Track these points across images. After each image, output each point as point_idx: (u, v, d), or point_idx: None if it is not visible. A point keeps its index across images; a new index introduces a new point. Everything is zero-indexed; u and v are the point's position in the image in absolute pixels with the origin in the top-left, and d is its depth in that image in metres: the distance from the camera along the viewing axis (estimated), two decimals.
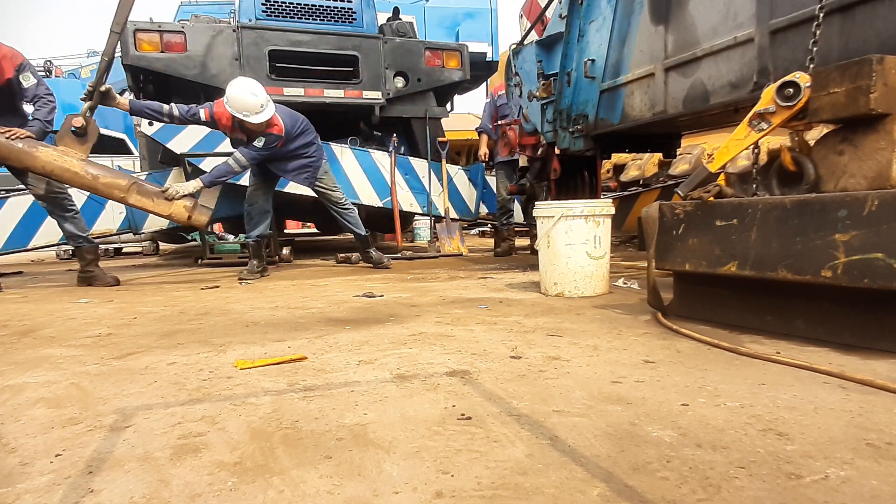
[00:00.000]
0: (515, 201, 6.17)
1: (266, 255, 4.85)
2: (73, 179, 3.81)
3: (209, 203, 5.22)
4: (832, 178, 1.94)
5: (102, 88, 3.76)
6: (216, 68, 5.55)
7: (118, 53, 4.35)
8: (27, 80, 3.74)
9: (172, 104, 4.11)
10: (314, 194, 4.87)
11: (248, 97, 3.98)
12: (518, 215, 6.39)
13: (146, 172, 6.22)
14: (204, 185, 4.04)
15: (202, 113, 4.13)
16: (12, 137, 3.68)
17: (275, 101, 5.81)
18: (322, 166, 4.73)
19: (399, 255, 5.85)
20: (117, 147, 11.72)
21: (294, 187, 5.28)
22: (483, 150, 6.27)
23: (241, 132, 4.21)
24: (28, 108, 3.92)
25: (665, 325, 2.16)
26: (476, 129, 6.46)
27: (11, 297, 3.67)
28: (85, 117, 3.77)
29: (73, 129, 3.74)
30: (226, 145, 5.56)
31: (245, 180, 4.89)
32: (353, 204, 5.34)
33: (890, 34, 2.05)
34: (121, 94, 4.07)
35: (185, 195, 3.95)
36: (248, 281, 4.21)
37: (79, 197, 5.08)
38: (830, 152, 1.95)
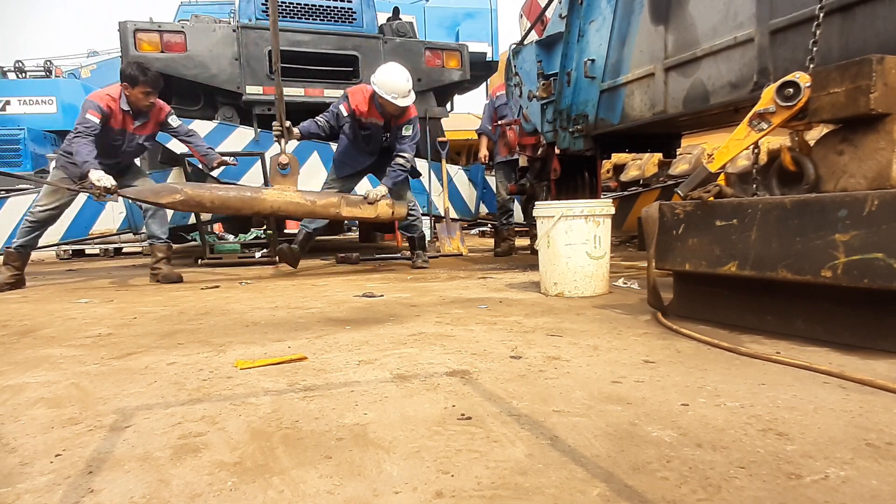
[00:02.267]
0: (515, 201, 6.18)
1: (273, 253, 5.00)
2: (298, 210, 4.26)
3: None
4: (832, 178, 1.94)
5: (287, 124, 4.14)
6: (216, 68, 5.55)
7: (118, 53, 4.39)
8: (175, 122, 4.35)
9: (319, 118, 4.34)
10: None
11: (403, 81, 4.23)
12: (518, 215, 6.39)
13: (146, 172, 6.22)
14: (389, 188, 4.39)
15: (342, 108, 4.33)
16: (216, 164, 4.32)
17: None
18: None
19: (399, 254, 5.85)
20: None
21: None
22: (483, 152, 6.27)
23: (375, 117, 4.35)
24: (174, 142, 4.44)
25: (665, 325, 2.16)
26: (476, 130, 6.47)
27: (11, 297, 3.67)
28: (287, 155, 4.20)
29: (279, 167, 4.18)
30: (226, 145, 5.58)
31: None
32: None
33: (890, 34, 2.06)
34: None
35: (382, 196, 4.32)
36: (247, 282, 4.21)
37: (79, 197, 5.09)
38: (830, 152, 1.95)
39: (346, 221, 9.63)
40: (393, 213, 4.42)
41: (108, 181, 3.77)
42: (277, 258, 4.91)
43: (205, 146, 4.44)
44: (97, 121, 3.89)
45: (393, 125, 4.41)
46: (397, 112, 4.31)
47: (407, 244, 5.27)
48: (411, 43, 6.37)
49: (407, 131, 4.42)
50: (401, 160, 4.42)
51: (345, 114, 4.33)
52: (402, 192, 4.67)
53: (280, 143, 4.18)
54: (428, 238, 6.95)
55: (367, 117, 4.36)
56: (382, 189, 4.34)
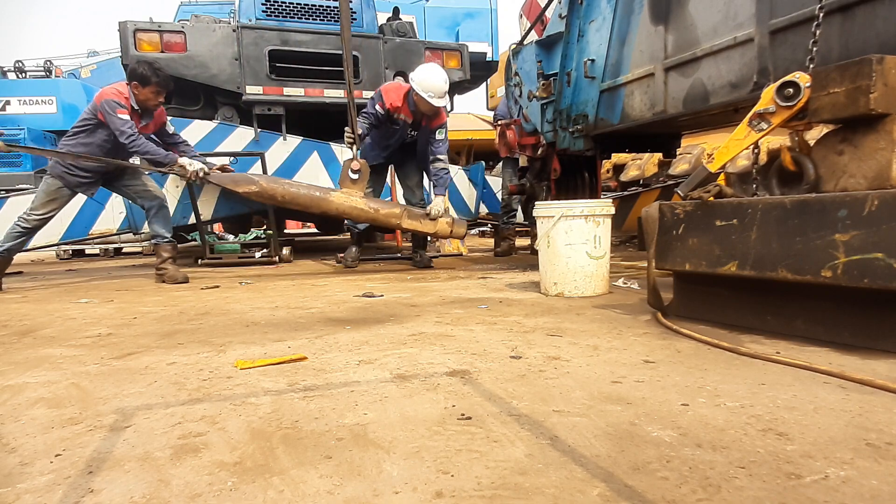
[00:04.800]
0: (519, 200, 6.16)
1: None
2: (360, 216, 4.37)
3: (209, 203, 5.33)
4: (832, 178, 1.94)
5: (359, 132, 4.30)
6: (216, 68, 5.55)
7: (118, 53, 4.39)
8: (171, 127, 4.35)
9: (363, 121, 4.39)
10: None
11: (442, 82, 4.32)
12: (519, 215, 6.39)
13: (146, 172, 6.22)
14: (446, 197, 4.50)
15: (378, 108, 4.40)
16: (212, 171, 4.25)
17: (275, 102, 5.83)
18: None
19: (399, 254, 5.85)
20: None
21: None
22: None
23: (405, 114, 4.43)
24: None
25: (665, 324, 2.16)
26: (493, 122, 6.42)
27: (11, 297, 3.67)
28: (359, 160, 4.33)
29: (351, 171, 4.30)
30: (226, 145, 5.58)
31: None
32: None
33: (890, 34, 2.06)
34: None
35: (444, 214, 4.44)
36: (247, 281, 4.21)
37: (79, 196, 5.08)
38: (830, 152, 1.95)
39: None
40: (451, 231, 4.50)
41: (198, 165, 4.07)
42: (342, 260, 5.01)
43: (197, 153, 4.41)
44: (129, 117, 3.93)
45: (424, 124, 4.51)
46: (430, 112, 4.39)
47: (406, 244, 5.28)
48: (411, 43, 6.37)
49: (440, 135, 4.52)
50: (440, 164, 4.53)
51: (381, 113, 4.41)
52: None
53: (353, 150, 4.33)
54: (428, 238, 6.95)
55: (399, 113, 4.45)
56: (441, 204, 4.41)
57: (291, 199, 4.18)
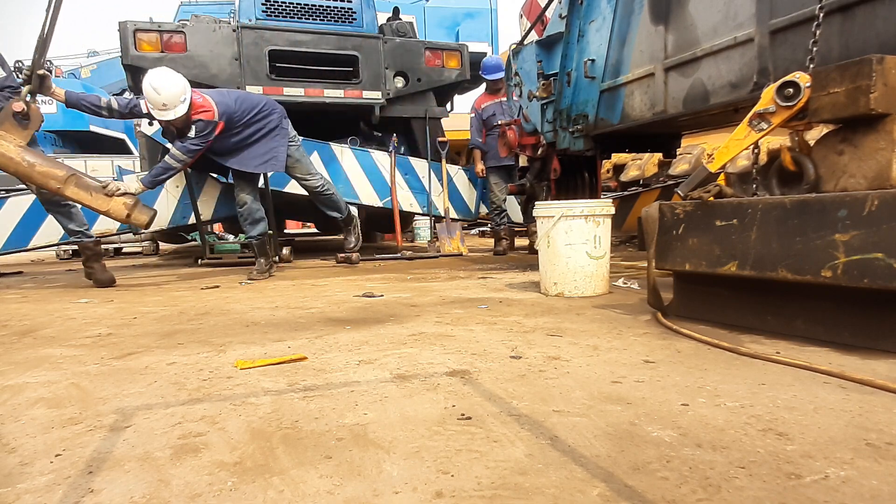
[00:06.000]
0: (508, 201, 6.17)
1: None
2: (8, 165, 3.63)
3: (209, 203, 5.23)
4: (832, 178, 1.94)
5: (40, 72, 3.64)
6: (216, 68, 5.55)
7: (118, 53, 4.33)
8: None
9: (112, 97, 3.93)
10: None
11: (151, 94, 3.81)
12: (517, 215, 6.39)
13: (146, 172, 6.23)
14: (145, 187, 3.97)
15: (143, 105, 3.94)
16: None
17: (274, 101, 5.81)
18: (291, 154, 4.63)
19: (399, 254, 5.85)
20: (117, 148, 11.72)
21: (293, 187, 5.28)
22: (479, 167, 6.19)
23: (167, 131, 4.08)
24: None
25: (665, 325, 2.16)
26: (469, 146, 6.43)
27: (11, 297, 3.67)
28: (26, 102, 3.63)
29: (14, 113, 3.59)
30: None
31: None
32: (353, 204, 5.33)
33: (890, 34, 2.06)
34: (120, 93, 4.07)
35: (126, 193, 3.84)
36: (248, 282, 4.21)
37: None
38: (830, 152, 1.95)
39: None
40: (129, 215, 3.85)
41: None
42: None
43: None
44: None
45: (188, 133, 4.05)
46: (176, 123, 3.98)
47: (406, 244, 5.26)
48: (411, 43, 6.37)
49: (191, 133, 4.01)
50: (167, 157, 4.03)
51: (144, 111, 3.97)
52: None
53: (24, 89, 3.64)
54: (428, 238, 6.96)
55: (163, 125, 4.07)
56: (130, 184, 3.90)
57: None
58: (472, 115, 6.26)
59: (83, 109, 4.01)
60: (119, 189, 3.80)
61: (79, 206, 3.99)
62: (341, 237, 5.66)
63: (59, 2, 3.49)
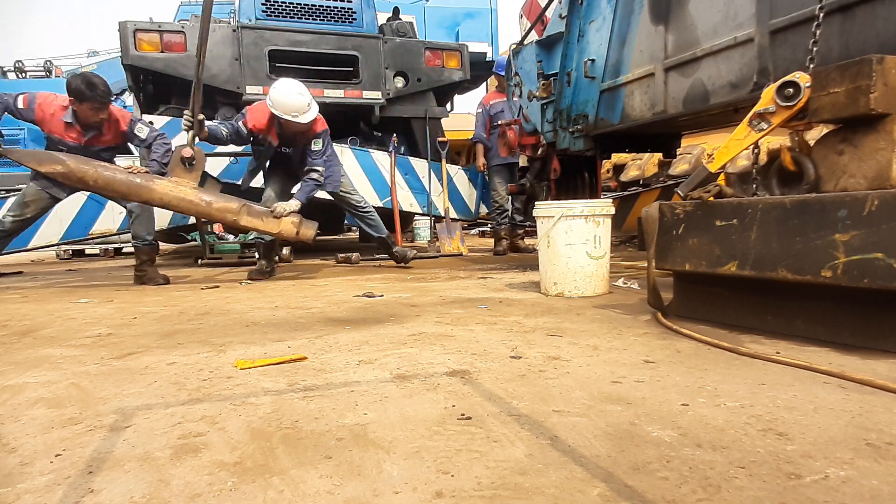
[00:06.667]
0: (509, 201, 6.17)
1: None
2: (189, 208, 4.00)
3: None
4: (832, 178, 1.94)
5: (200, 117, 3.88)
6: (216, 68, 5.55)
7: (118, 53, 4.35)
8: (141, 132, 4.10)
9: (221, 125, 4.13)
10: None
11: (297, 97, 4.04)
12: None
13: (297, 191, 6.22)
14: (302, 203, 4.17)
15: (241, 126, 4.12)
16: (133, 171, 3.89)
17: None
18: (341, 170, 4.76)
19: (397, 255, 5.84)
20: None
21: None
22: (481, 161, 6.22)
23: (277, 135, 4.19)
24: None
25: (665, 325, 2.16)
26: (472, 139, 6.44)
27: (11, 297, 3.67)
28: (193, 148, 3.93)
29: (182, 159, 3.91)
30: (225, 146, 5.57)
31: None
32: None
33: (890, 34, 2.06)
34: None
35: (291, 213, 4.08)
36: (248, 282, 4.21)
37: (79, 196, 5.09)
38: (830, 152, 1.95)
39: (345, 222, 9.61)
40: (298, 233, 4.10)
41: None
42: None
43: (158, 161, 4.05)
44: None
45: (299, 140, 4.24)
46: (301, 130, 4.14)
47: (406, 244, 5.25)
48: (411, 43, 6.37)
49: (316, 146, 4.25)
50: (314, 174, 4.23)
51: (245, 132, 4.15)
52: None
53: (189, 134, 3.90)
54: (428, 238, 6.95)
55: (264, 135, 4.20)
56: (291, 205, 4.10)
57: (105, 185, 3.79)
58: (479, 110, 6.27)
59: (216, 142, 4.24)
60: (285, 210, 4.06)
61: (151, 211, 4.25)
62: (341, 237, 5.64)
63: (204, 50, 3.68)
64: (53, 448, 1.17)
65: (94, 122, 3.92)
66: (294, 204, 4.12)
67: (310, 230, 4.17)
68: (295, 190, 4.32)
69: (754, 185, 2.32)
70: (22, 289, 4.16)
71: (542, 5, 4.53)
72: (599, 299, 2.87)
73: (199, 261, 5.61)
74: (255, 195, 4.38)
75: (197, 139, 3.94)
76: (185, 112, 3.88)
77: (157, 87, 6.07)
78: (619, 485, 0.94)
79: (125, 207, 4.29)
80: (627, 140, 4.32)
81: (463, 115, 12.22)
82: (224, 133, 4.10)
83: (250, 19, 5.81)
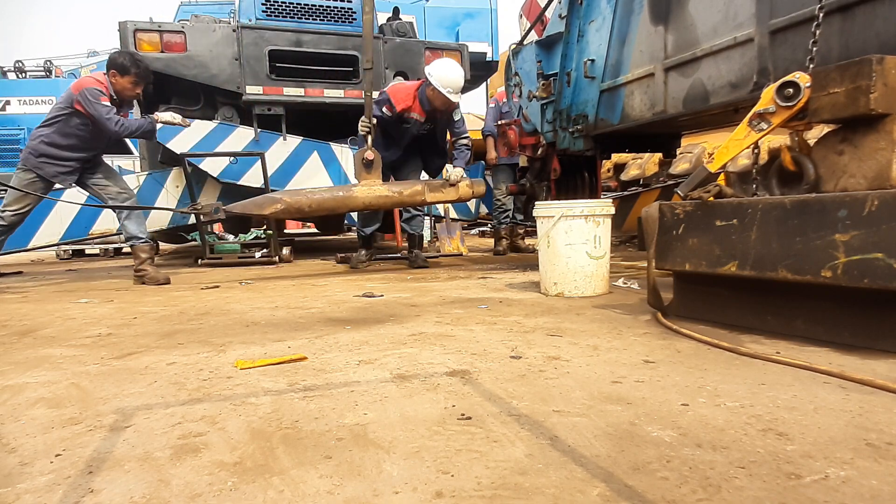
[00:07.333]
0: (511, 201, 6.17)
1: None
2: (387, 203, 4.33)
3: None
4: (832, 178, 1.94)
5: (374, 122, 4.25)
6: (216, 68, 5.55)
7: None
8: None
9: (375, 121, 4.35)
10: None
11: (460, 78, 4.39)
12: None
13: (146, 172, 6.23)
14: (465, 169, 4.50)
15: (385, 111, 4.40)
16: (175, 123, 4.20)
17: (275, 102, 5.82)
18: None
19: (399, 254, 5.85)
20: (117, 147, 11.70)
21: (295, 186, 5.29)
22: (492, 154, 6.22)
23: (417, 115, 4.47)
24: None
25: (665, 325, 2.16)
26: (483, 131, 6.43)
27: (11, 297, 3.67)
28: (372, 150, 4.25)
29: (364, 163, 4.24)
30: (225, 145, 5.58)
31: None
32: None
33: (890, 34, 2.06)
34: None
35: (462, 178, 4.42)
36: (248, 282, 4.21)
37: (79, 197, 5.09)
38: (830, 152, 1.95)
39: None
40: (473, 192, 4.51)
41: (177, 116, 4.16)
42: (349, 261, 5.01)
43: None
44: (110, 104, 3.91)
45: (438, 117, 4.55)
46: (445, 106, 4.44)
47: (406, 244, 5.25)
48: (411, 43, 6.37)
49: (457, 116, 4.60)
50: (463, 141, 4.62)
51: (388, 115, 4.41)
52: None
53: (367, 140, 4.24)
54: (428, 238, 6.95)
55: (411, 112, 4.49)
56: (459, 171, 4.42)
57: (318, 206, 4.13)
58: (492, 104, 6.28)
59: (384, 135, 4.57)
60: (458, 176, 4.38)
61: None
62: (341, 237, 5.66)
63: (371, 73, 4.12)
64: (53, 448, 1.17)
65: (129, 96, 4.11)
66: (460, 170, 4.44)
67: (481, 186, 4.59)
68: (453, 160, 4.65)
69: (754, 185, 2.32)
70: (22, 289, 4.16)
71: (542, 5, 4.53)
72: (599, 299, 2.87)
73: (199, 261, 5.61)
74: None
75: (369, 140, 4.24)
76: (362, 118, 4.22)
77: (156, 87, 6.07)
78: (619, 485, 0.95)
79: (112, 210, 4.30)
80: (627, 140, 4.32)
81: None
82: (381, 126, 4.43)
83: (250, 19, 5.81)
